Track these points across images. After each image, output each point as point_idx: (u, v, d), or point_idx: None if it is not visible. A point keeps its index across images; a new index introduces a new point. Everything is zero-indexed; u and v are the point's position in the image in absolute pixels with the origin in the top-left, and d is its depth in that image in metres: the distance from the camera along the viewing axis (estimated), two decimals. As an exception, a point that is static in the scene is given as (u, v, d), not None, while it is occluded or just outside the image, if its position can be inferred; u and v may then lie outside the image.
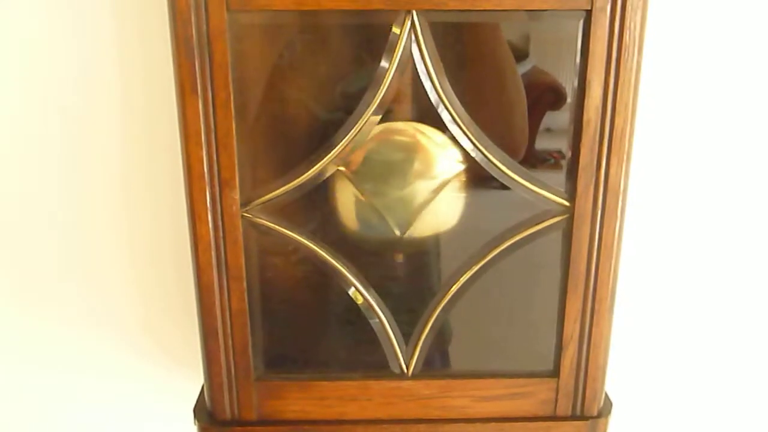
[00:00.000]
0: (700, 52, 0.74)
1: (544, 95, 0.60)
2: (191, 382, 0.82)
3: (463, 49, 0.57)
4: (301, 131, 0.59)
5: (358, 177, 0.60)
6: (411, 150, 0.60)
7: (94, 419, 0.90)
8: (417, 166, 0.60)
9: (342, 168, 0.59)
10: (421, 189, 0.61)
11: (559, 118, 0.59)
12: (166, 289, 0.82)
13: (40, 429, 0.91)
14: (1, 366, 0.88)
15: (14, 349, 0.87)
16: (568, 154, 0.58)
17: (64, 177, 0.78)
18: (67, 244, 0.81)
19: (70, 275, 0.82)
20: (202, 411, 0.65)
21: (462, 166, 0.60)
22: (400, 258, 0.63)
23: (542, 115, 0.61)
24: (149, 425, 0.90)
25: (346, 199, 0.61)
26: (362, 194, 0.60)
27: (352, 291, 0.61)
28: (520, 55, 0.60)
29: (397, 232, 0.61)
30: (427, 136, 0.59)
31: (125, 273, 0.82)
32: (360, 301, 0.61)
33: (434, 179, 0.61)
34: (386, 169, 0.60)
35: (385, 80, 0.54)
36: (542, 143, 0.61)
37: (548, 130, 0.61)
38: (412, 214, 0.61)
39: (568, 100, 0.56)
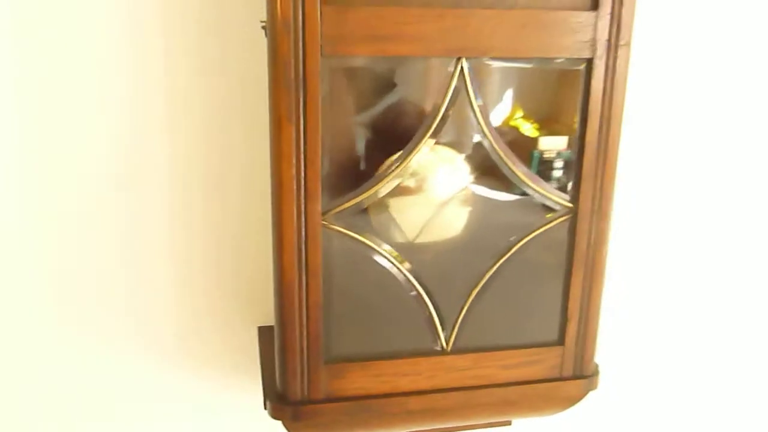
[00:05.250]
0: (674, 81, 0.96)
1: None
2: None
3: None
4: (369, 153, 0.72)
5: (410, 191, 0.73)
6: (450, 170, 0.75)
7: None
8: (459, 182, 0.75)
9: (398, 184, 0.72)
10: (458, 198, 0.76)
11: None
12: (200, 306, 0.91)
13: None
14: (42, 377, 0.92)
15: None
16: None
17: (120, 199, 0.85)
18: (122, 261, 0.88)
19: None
20: (272, 394, 0.75)
21: (494, 181, 0.75)
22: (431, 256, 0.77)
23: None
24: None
25: (402, 209, 0.74)
26: (412, 206, 0.74)
27: (406, 284, 0.74)
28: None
29: (447, 236, 0.75)
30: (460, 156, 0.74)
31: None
32: (413, 293, 0.74)
33: (473, 191, 0.76)
34: (429, 186, 0.74)
35: (440, 109, 0.69)
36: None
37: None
38: (449, 220, 0.76)
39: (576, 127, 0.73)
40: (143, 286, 0.90)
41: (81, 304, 0.89)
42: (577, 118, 0.73)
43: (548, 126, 0.77)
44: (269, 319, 0.94)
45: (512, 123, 0.77)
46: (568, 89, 0.74)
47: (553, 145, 0.77)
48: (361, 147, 0.72)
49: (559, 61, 0.71)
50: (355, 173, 0.72)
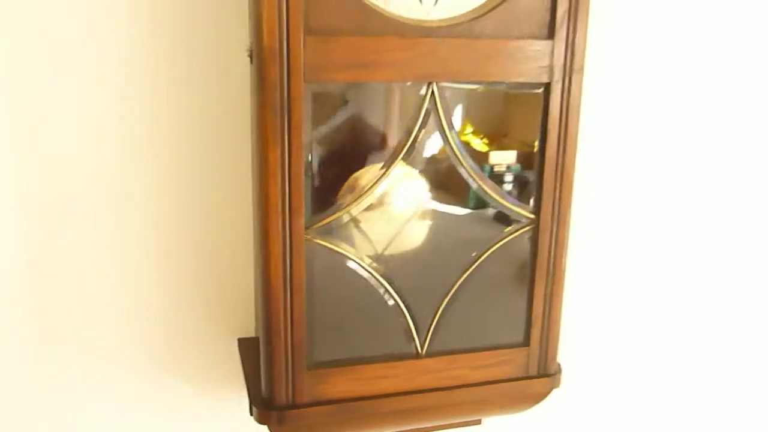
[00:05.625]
0: (625, 101, 1.04)
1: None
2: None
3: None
4: (346, 171, 0.77)
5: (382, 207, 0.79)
6: (418, 185, 0.81)
7: None
8: (427, 197, 0.81)
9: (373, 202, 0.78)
10: (427, 212, 0.82)
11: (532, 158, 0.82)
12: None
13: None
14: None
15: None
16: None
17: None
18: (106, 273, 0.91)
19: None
20: (258, 400, 0.79)
21: (460, 195, 0.81)
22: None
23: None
24: None
25: (380, 223, 0.79)
26: (386, 220, 0.80)
27: (383, 293, 0.79)
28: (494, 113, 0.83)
29: (417, 247, 0.81)
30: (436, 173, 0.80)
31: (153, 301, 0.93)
32: (391, 303, 0.80)
33: (440, 205, 0.82)
34: (403, 201, 0.80)
35: (414, 128, 0.74)
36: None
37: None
38: (419, 233, 0.81)
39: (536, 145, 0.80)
40: (125, 302, 0.93)
41: (61, 320, 0.92)
42: (532, 135, 0.80)
43: (498, 141, 0.83)
44: (248, 331, 0.98)
45: (463, 138, 0.82)
46: (523, 108, 0.81)
47: (503, 159, 0.83)
48: (338, 165, 0.77)
49: (519, 83, 0.77)
50: (334, 190, 0.77)
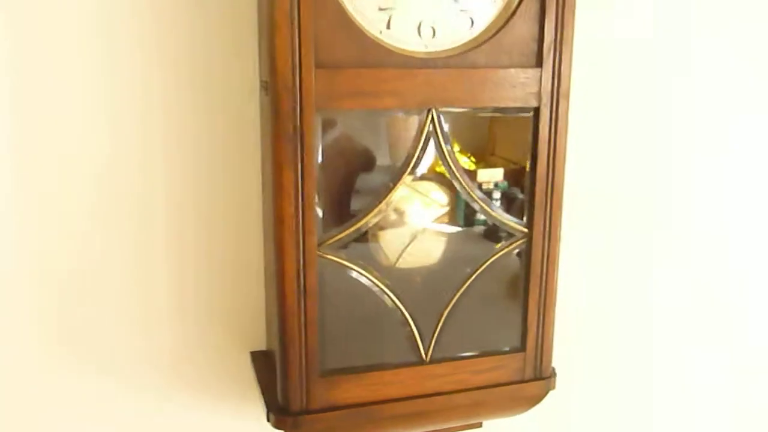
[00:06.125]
0: (608, 123, 1.11)
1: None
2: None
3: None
4: (356, 191, 0.83)
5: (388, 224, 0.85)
6: (422, 202, 0.87)
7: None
8: (429, 214, 0.87)
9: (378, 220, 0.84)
10: (429, 229, 0.88)
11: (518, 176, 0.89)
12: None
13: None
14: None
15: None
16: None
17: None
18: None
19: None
20: (274, 407, 0.85)
21: (460, 212, 0.88)
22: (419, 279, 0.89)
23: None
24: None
25: (386, 239, 0.86)
26: (392, 236, 0.86)
27: (390, 304, 0.85)
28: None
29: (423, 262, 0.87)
30: (440, 193, 0.86)
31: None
32: (397, 313, 0.86)
33: (441, 222, 0.88)
34: (406, 216, 0.86)
35: (415, 151, 0.81)
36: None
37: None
38: (427, 247, 0.88)
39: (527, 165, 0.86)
40: (141, 317, 0.98)
41: (73, 333, 0.96)
42: (518, 154, 0.86)
43: (486, 159, 0.90)
44: (259, 343, 1.03)
45: (459, 158, 0.88)
46: (510, 130, 0.88)
47: (491, 176, 0.90)
48: (346, 185, 0.83)
49: (510, 108, 0.84)
50: (344, 209, 0.83)
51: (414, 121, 0.81)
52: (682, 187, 1.21)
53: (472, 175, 0.88)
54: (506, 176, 0.89)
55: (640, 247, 1.21)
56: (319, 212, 0.79)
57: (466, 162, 0.90)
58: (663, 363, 1.29)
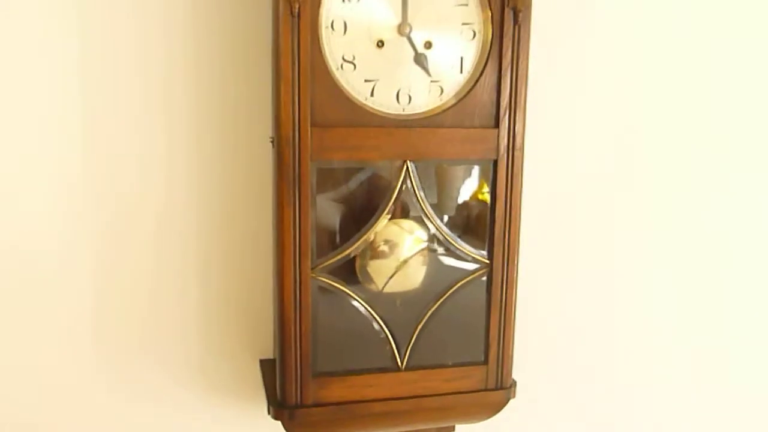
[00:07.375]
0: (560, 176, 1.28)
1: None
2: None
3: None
4: (343, 225, 1.02)
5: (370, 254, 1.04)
6: (401, 237, 1.05)
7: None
8: (406, 245, 1.05)
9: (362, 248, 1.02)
10: (406, 258, 1.06)
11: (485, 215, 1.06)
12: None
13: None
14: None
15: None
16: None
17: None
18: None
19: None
20: (274, 402, 1.03)
21: (434, 244, 1.06)
22: (398, 302, 1.07)
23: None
24: None
25: (369, 265, 1.04)
26: (376, 263, 1.04)
27: (371, 319, 1.03)
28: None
29: (396, 284, 1.05)
30: (412, 227, 1.05)
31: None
32: (377, 326, 1.04)
33: (414, 253, 1.06)
34: (387, 248, 1.05)
35: (392, 196, 1.00)
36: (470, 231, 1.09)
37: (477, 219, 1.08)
38: (406, 274, 1.06)
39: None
40: (163, 327, 1.17)
41: (91, 338, 1.15)
42: (483, 198, 1.04)
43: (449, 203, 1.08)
44: (268, 350, 1.22)
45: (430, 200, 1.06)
46: (480, 180, 1.06)
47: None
48: (337, 221, 1.02)
49: (473, 159, 1.03)
50: (334, 239, 1.02)
51: (392, 170, 1.00)
52: (627, 205, 1.35)
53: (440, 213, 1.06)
54: (470, 215, 1.07)
55: (601, 260, 1.36)
56: (314, 242, 0.98)
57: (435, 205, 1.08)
58: (625, 373, 1.43)
